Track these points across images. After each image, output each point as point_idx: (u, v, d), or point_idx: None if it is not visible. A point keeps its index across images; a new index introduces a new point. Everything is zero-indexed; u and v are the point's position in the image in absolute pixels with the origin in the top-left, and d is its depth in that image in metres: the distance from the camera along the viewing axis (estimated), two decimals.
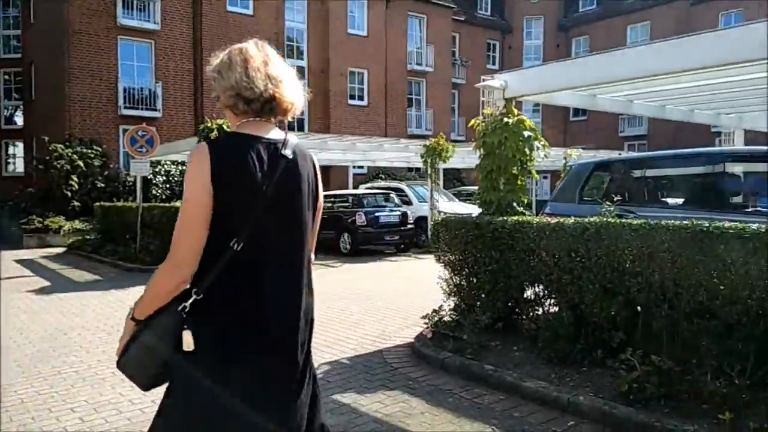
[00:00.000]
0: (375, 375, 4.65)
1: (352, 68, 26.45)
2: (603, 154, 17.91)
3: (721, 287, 3.83)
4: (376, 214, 13.83)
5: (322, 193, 1.92)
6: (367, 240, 13.85)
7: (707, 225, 3.94)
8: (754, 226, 3.75)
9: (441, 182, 19.85)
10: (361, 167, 24.71)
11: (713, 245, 3.84)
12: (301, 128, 24.92)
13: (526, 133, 6.01)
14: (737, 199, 6.09)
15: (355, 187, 19.70)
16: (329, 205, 15.41)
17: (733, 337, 3.69)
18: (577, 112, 31.44)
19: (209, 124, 11.21)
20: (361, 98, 27.01)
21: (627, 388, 3.71)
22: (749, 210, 5.61)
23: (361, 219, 13.55)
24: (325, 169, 23.54)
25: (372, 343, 5.62)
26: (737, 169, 6.08)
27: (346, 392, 4.25)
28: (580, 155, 15.18)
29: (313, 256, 1.92)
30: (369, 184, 18.87)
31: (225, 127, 11.08)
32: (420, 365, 4.88)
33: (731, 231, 3.78)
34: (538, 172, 6.44)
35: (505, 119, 6.05)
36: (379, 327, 6.32)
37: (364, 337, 5.88)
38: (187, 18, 22.34)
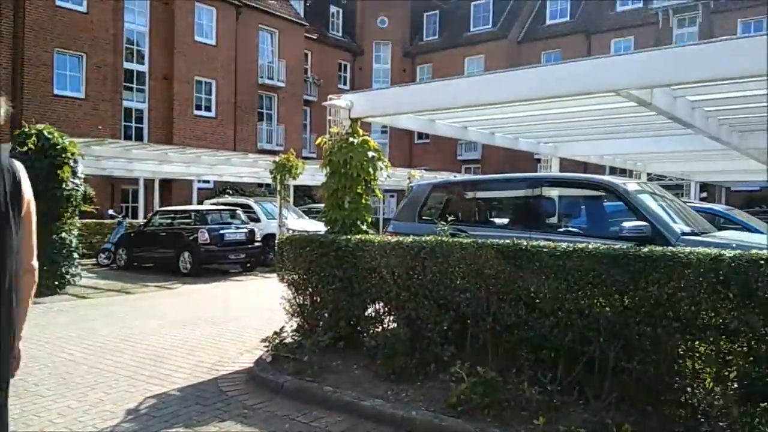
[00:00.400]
0: (208, 406, 4.35)
1: (199, 77, 25.29)
2: (445, 176, 19.10)
3: (537, 301, 4.20)
4: (221, 231, 13.23)
5: (30, 201, 1.92)
6: (210, 259, 13.17)
7: (525, 244, 4.31)
8: (564, 245, 4.17)
9: (291, 199, 19.66)
10: (207, 182, 23.62)
11: (530, 262, 4.20)
12: (139, 138, 23.21)
13: (370, 154, 6.15)
14: (552, 220, 6.78)
15: (200, 202, 18.73)
16: (168, 221, 14.45)
17: (546, 347, 4.06)
18: (420, 135, 33.16)
19: (27, 130, 9.88)
20: (208, 109, 25.87)
21: (455, 400, 3.89)
22: (561, 230, 6.25)
23: (203, 236, 12.86)
24: (167, 183, 22.11)
25: (207, 371, 5.28)
26: (553, 192, 6.76)
27: (172, 427, 3.92)
28: (422, 176, 16.00)
29: (35, 263, 1.98)
30: (214, 200, 18.05)
31: (45, 133, 9.87)
32: (258, 391, 4.68)
33: (545, 250, 4.17)
34: (385, 191, 6.62)
35: (351, 139, 6.15)
36: (216, 353, 5.97)
37: (199, 365, 5.51)
38: (5, 10, 19.72)
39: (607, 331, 3.79)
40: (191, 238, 12.99)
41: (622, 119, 7.45)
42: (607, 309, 3.84)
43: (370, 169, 6.17)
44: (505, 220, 7.01)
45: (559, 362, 3.95)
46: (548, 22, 32.24)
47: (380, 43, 36.51)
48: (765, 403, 3.23)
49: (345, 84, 35.09)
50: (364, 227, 6.20)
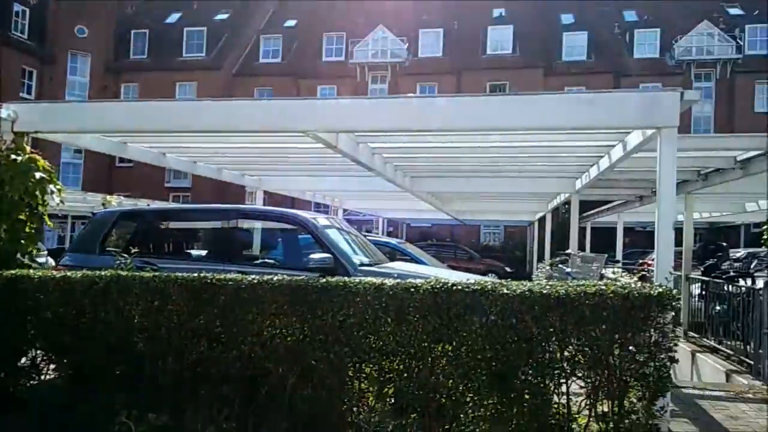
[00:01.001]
0: None
1: None
2: (146, 203, 17.74)
3: (222, 335, 4.08)
4: None
5: None
6: None
7: (211, 277, 4.17)
8: (251, 277, 4.16)
9: None
10: None
11: (215, 296, 4.07)
12: None
13: (38, 175, 5.36)
14: (250, 252, 6.81)
15: None
16: None
17: (227, 382, 3.95)
18: (123, 158, 30.38)
19: None
20: None
21: None
22: (258, 262, 6.30)
23: None
24: None
25: None
26: (250, 225, 6.81)
27: None
28: (121, 202, 14.57)
29: None
30: None
31: None
32: None
33: (230, 283, 4.09)
34: (75, 217, 5.77)
35: (13, 156, 5.24)
36: None
37: None
38: None
39: (286, 361, 3.88)
40: None
41: (319, 158, 8.01)
42: (288, 339, 3.94)
43: (38, 193, 5.33)
44: (203, 253, 6.78)
45: (237, 398, 3.87)
46: (261, 60, 33.31)
47: (77, 53, 32.58)
48: (415, 414, 3.69)
49: (30, 93, 30.20)
50: (27, 260, 5.28)
